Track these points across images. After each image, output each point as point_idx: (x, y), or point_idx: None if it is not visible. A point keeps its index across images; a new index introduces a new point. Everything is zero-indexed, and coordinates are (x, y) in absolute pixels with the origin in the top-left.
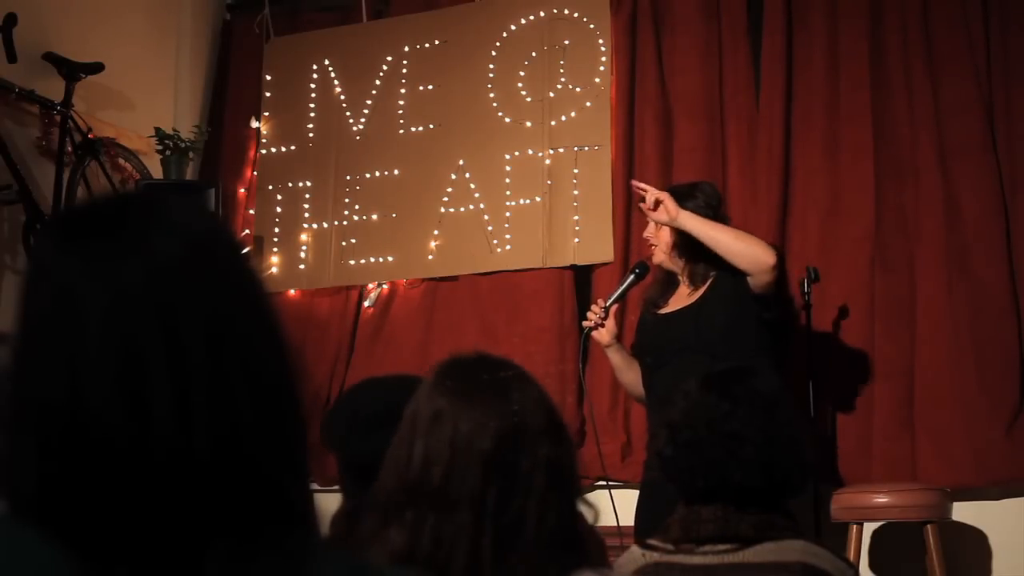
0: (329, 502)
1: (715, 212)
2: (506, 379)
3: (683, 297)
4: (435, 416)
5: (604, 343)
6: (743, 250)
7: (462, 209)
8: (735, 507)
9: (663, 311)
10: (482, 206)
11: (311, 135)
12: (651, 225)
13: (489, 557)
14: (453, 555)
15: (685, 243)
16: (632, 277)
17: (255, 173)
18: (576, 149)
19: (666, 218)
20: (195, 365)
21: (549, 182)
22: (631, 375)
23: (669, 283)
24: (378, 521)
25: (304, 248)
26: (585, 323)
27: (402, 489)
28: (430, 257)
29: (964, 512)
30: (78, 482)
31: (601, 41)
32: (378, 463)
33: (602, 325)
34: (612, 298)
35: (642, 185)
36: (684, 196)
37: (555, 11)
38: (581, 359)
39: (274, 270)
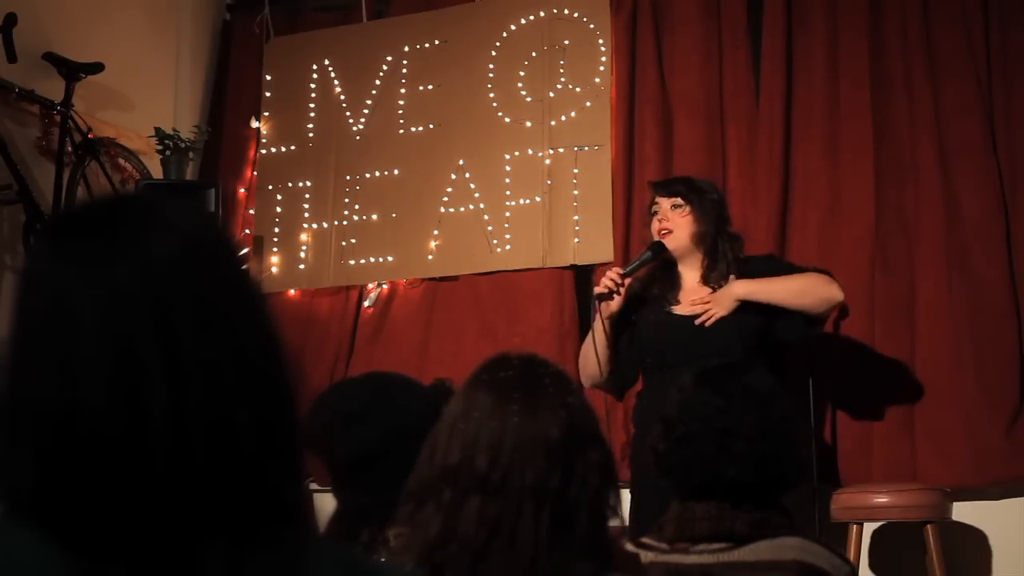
0: (328, 502)
1: (719, 212)
2: (564, 378)
3: (697, 295)
4: (487, 407)
5: (611, 312)
6: (812, 303)
7: (462, 209)
8: (730, 504)
9: (678, 311)
10: (482, 206)
11: (311, 135)
12: (663, 207)
13: (544, 542)
14: (496, 537)
15: (711, 234)
16: (648, 254)
17: (255, 173)
18: (576, 149)
19: (729, 305)
20: (190, 365)
21: (549, 182)
22: (605, 352)
23: (667, 278)
24: (412, 507)
25: (304, 248)
26: (598, 289)
27: (441, 475)
28: (430, 257)
29: (964, 512)
30: (74, 482)
31: (601, 41)
32: (363, 460)
33: (618, 293)
34: (628, 270)
35: (701, 316)
36: (701, 190)
37: (555, 11)
38: (593, 322)
39: (274, 270)
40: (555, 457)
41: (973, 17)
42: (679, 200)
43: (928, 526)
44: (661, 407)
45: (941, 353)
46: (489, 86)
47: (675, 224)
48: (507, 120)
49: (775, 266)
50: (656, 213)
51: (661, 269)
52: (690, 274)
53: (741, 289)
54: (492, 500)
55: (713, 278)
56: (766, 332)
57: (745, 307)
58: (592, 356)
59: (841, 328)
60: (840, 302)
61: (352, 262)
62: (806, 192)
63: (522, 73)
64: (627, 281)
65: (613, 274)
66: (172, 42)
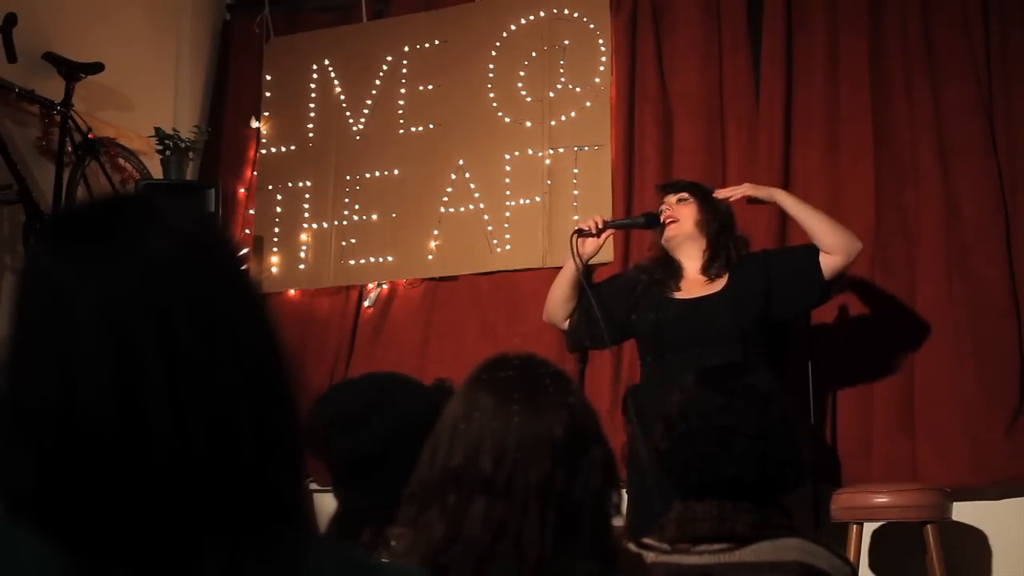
0: (328, 502)
1: (726, 211)
2: (564, 377)
3: (700, 284)
4: (488, 407)
5: (585, 254)
6: (838, 232)
7: (462, 209)
8: (730, 503)
9: (679, 296)
10: (482, 206)
11: (311, 135)
12: (670, 202)
13: (550, 543)
14: (502, 538)
15: (714, 225)
16: (641, 220)
17: (255, 173)
18: (576, 149)
19: (765, 193)
20: (189, 365)
21: (549, 182)
22: (567, 289)
23: (669, 268)
24: (416, 509)
25: (304, 248)
26: (580, 224)
27: (443, 477)
28: (430, 257)
29: (964, 512)
30: (74, 482)
31: (601, 41)
32: (364, 461)
33: (595, 236)
34: (613, 222)
35: (726, 193)
36: (707, 190)
37: (555, 11)
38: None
39: (274, 270)
40: (559, 457)
41: (973, 18)
42: (685, 195)
43: (928, 526)
44: (658, 405)
45: (941, 353)
46: (489, 86)
47: (680, 214)
48: (507, 120)
49: (775, 254)
50: (663, 212)
51: (663, 262)
52: (691, 264)
53: (784, 193)
54: (497, 501)
55: (713, 269)
56: (764, 317)
57: (745, 291)
58: (556, 292)
59: (841, 327)
60: (859, 251)
61: (352, 262)
62: (806, 192)
63: (522, 73)
64: (607, 232)
65: (598, 217)
66: (172, 42)
